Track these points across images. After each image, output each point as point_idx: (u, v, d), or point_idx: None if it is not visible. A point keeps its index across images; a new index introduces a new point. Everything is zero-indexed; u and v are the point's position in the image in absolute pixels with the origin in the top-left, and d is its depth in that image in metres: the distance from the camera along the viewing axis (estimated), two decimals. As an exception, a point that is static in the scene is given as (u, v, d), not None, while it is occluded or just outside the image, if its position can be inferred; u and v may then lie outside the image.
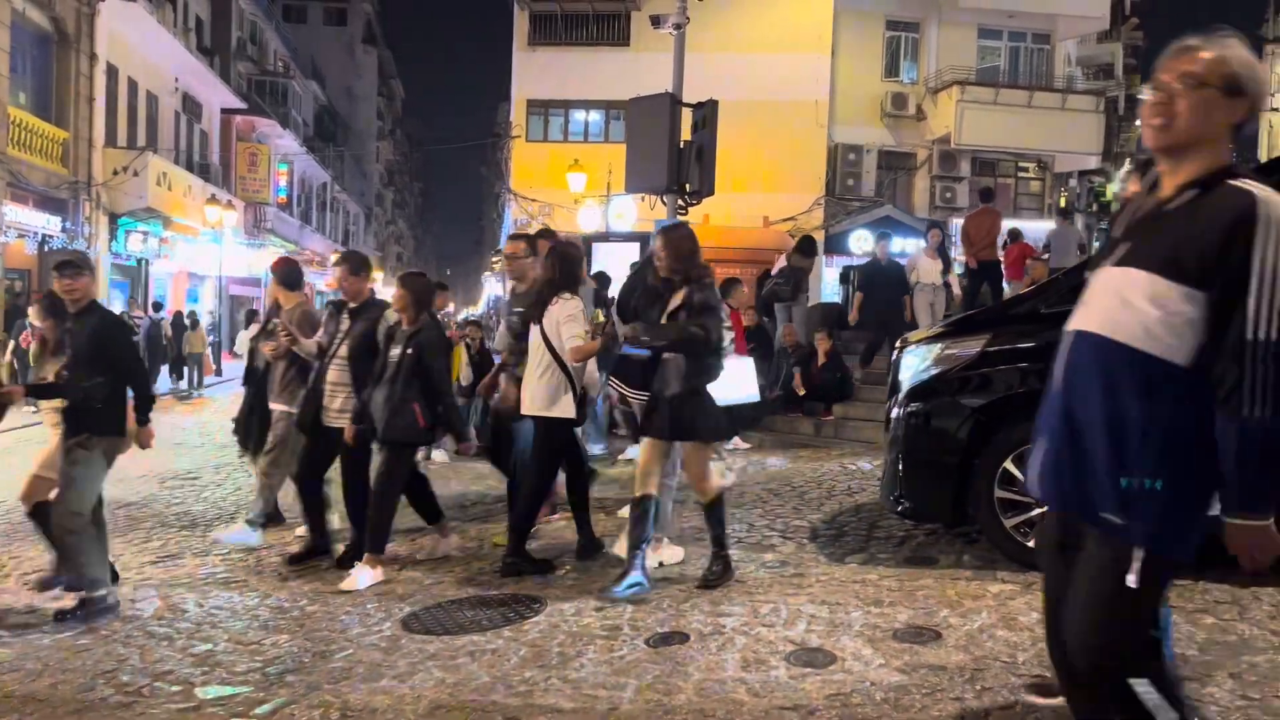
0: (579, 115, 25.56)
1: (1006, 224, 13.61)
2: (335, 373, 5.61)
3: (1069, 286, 5.26)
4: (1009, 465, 4.83)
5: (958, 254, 13.68)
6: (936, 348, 5.19)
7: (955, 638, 3.95)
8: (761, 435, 10.52)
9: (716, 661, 3.81)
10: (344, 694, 3.66)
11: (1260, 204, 2.01)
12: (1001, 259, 12.36)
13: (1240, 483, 2.00)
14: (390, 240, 66.31)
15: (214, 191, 25.18)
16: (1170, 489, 2.08)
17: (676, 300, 4.78)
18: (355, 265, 5.77)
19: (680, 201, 11.60)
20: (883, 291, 11.79)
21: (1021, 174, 26.40)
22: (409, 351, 5.23)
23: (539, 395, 5.31)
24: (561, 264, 5.37)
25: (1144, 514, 2.08)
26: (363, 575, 5.13)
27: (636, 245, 19.75)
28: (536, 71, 24.97)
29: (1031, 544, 4.80)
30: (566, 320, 5.22)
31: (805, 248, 12.25)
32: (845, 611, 4.33)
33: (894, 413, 5.26)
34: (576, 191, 21.29)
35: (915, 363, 5.25)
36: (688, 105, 11.20)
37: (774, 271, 12.51)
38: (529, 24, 25.21)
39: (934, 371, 5.10)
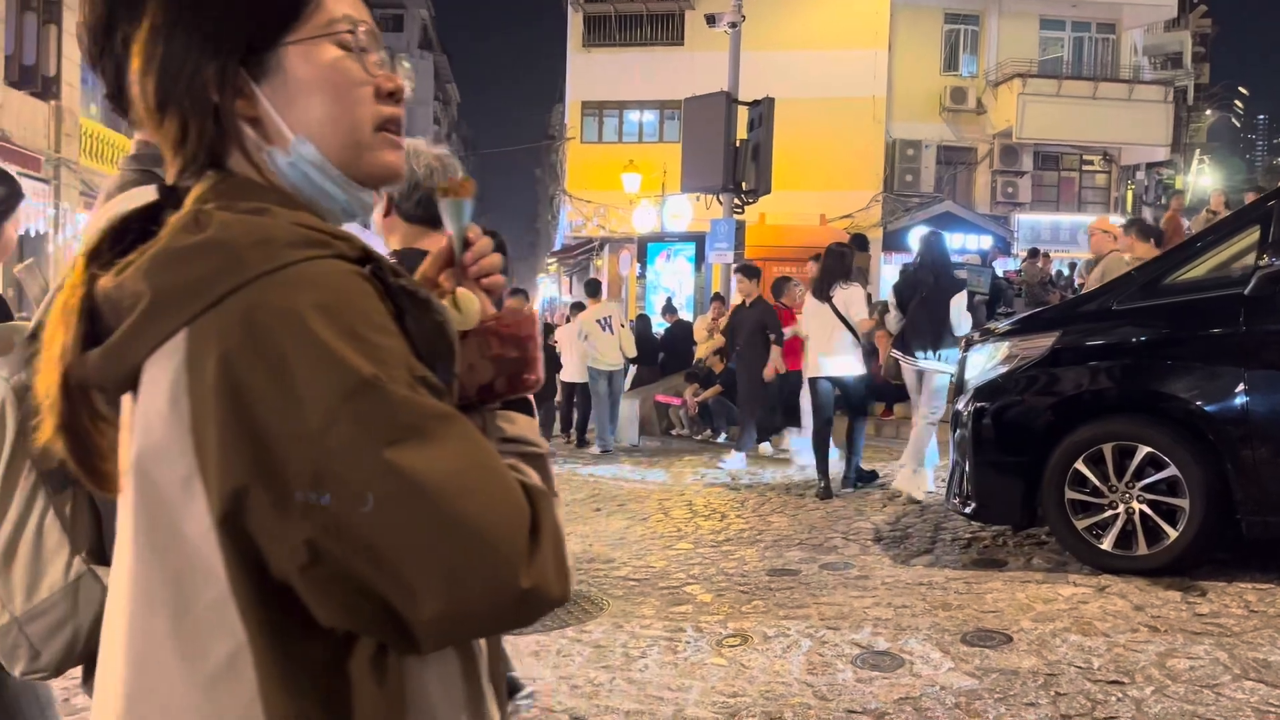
0: (633, 116, 25.58)
1: (1072, 219, 13.24)
2: None
3: (1141, 283, 5.12)
4: (1080, 466, 4.71)
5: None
6: (1004, 345, 5.08)
7: (1027, 641, 3.86)
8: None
9: (782, 664, 3.78)
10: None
11: None
12: None
13: None
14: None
15: (277, 197, 25.67)
16: None
17: None
18: None
19: (736, 200, 11.56)
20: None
21: (1086, 168, 25.79)
22: None
23: (834, 359, 7.15)
24: (841, 259, 7.36)
25: None
26: None
27: (692, 245, 19.76)
28: (591, 73, 25.05)
29: (1104, 546, 4.68)
30: (854, 300, 7.16)
31: (857, 245, 12.15)
32: (912, 614, 4.26)
33: (960, 412, 5.17)
34: (631, 192, 21.33)
35: (982, 361, 5.15)
36: (743, 103, 11.16)
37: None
38: (583, 25, 25.29)
39: (1002, 370, 4.99)
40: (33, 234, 15.91)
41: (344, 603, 0.77)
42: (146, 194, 1.29)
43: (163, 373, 0.79)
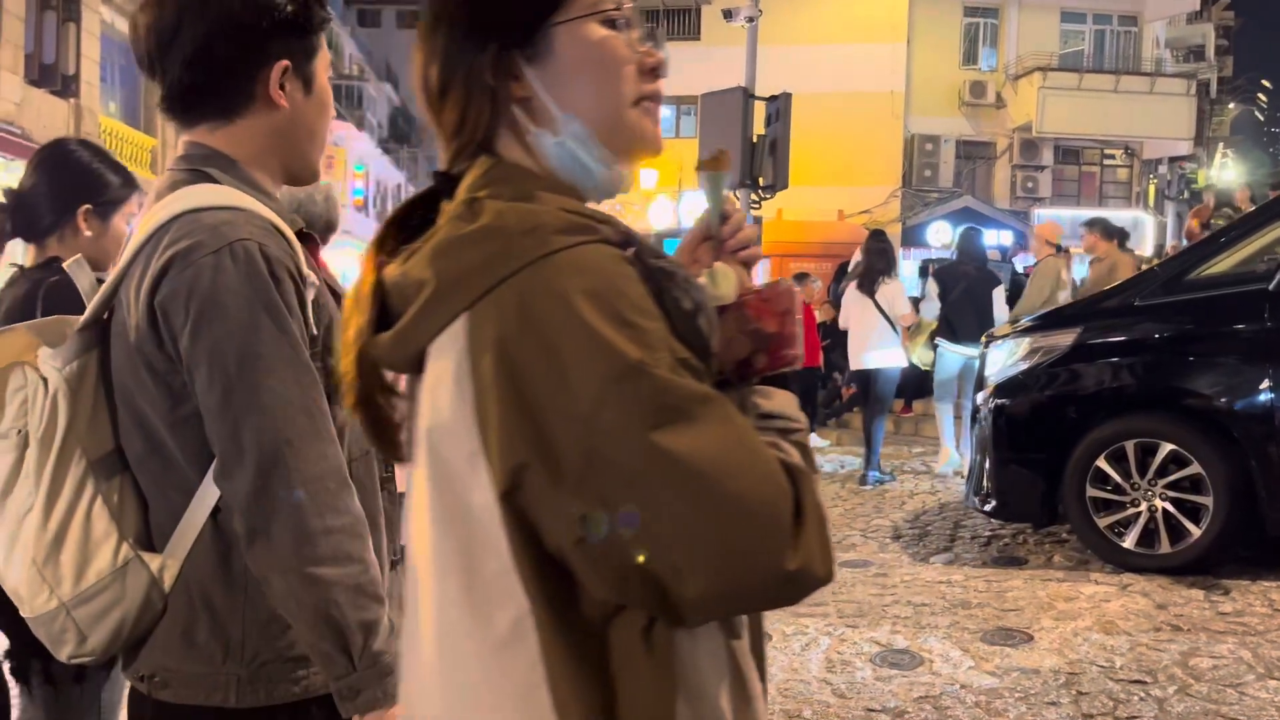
0: (650, 111, 25.50)
1: (1093, 214, 13.12)
2: None
3: (1164, 280, 5.07)
4: (1102, 463, 4.67)
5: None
6: (1025, 341, 5.05)
7: (1048, 640, 3.83)
8: (839, 431, 10.39)
9: (800, 662, 3.76)
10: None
11: None
12: None
13: None
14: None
15: (295, 194, 25.77)
16: None
17: None
18: None
19: (754, 196, 11.52)
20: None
21: (1107, 162, 25.56)
22: None
23: (876, 352, 7.31)
24: (883, 255, 7.56)
25: None
26: None
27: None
28: (607, 68, 24.98)
29: (1126, 544, 4.64)
30: (898, 295, 7.39)
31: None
32: (931, 612, 4.24)
33: (981, 408, 5.14)
34: (648, 188, 21.30)
35: (1003, 357, 5.11)
36: (761, 99, 11.11)
37: (851, 266, 12.35)
38: (600, 21, 25.26)
39: (1023, 366, 4.96)
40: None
41: (614, 577, 0.80)
42: (194, 193, 1.28)
43: (447, 355, 0.84)
